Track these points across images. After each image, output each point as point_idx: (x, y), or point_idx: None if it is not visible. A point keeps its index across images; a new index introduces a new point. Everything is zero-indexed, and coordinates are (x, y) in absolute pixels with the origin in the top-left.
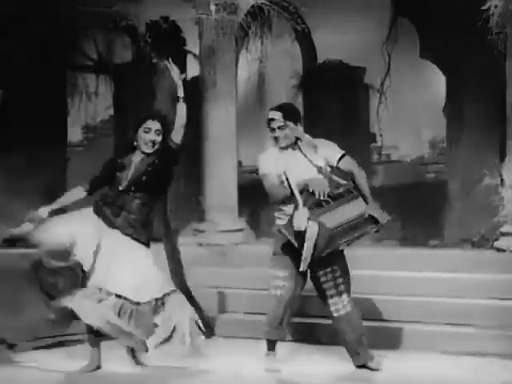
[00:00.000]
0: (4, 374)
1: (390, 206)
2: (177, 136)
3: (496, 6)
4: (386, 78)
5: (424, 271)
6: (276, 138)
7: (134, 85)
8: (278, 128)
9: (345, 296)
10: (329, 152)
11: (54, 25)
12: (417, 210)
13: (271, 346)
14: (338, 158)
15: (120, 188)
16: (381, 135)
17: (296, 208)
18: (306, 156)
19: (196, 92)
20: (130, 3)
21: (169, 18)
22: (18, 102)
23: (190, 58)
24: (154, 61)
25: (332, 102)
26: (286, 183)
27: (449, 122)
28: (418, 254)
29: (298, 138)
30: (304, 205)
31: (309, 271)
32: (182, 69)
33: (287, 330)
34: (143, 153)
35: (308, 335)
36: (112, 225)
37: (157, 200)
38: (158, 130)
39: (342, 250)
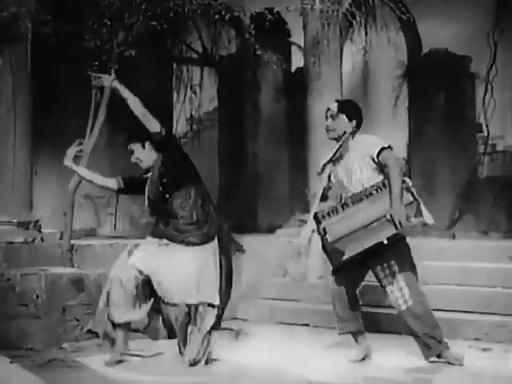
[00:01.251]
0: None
1: (496, 196)
2: (150, 127)
3: None
4: (492, 67)
5: None
6: (326, 128)
7: (238, 77)
8: (330, 117)
9: (406, 290)
10: (371, 145)
11: (160, 18)
12: None
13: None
14: (378, 150)
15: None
16: (487, 125)
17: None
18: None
19: (301, 83)
20: None
21: (273, 9)
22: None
23: (294, 49)
24: (259, 53)
25: (437, 91)
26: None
27: None
28: None
29: (344, 133)
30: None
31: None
32: (288, 60)
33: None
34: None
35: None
36: (165, 237)
37: (191, 190)
38: (132, 151)
39: (404, 243)
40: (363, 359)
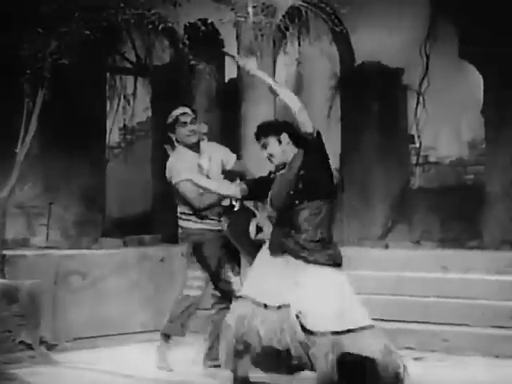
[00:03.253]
0: (45, 374)
1: (429, 207)
2: (303, 126)
3: None
4: (425, 78)
5: (463, 273)
6: (193, 132)
7: (171, 87)
8: (191, 123)
9: None
10: (225, 155)
11: (94, 27)
12: (456, 211)
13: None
14: (233, 161)
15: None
16: (419, 136)
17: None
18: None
19: (234, 93)
20: (169, 6)
21: (207, 20)
22: (59, 103)
23: (228, 59)
24: (192, 63)
25: (370, 103)
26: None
27: (487, 123)
28: (457, 256)
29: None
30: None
31: None
32: (221, 70)
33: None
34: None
35: None
36: (288, 251)
37: (324, 204)
38: (264, 145)
39: None
40: None
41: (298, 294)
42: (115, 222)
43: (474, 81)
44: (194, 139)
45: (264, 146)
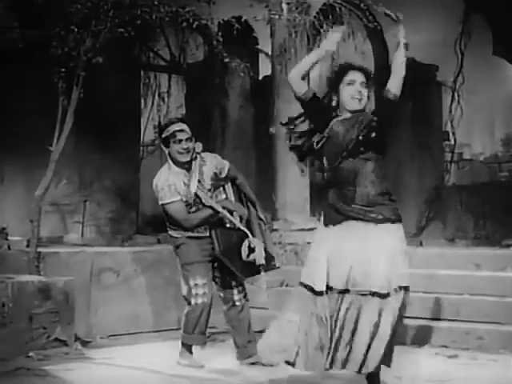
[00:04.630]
0: (78, 370)
1: (463, 204)
2: (397, 89)
3: None
4: (459, 75)
5: (497, 271)
6: (187, 151)
7: (205, 84)
8: (186, 140)
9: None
10: (218, 164)
11: (127, 25)
12: (490, 209)
13: (189, 349)
14: (227, 168)
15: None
16: (453, 133)
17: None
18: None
19: (268, 91)
20: (203, 3)
21: (241, 17)
22: (93, 101)
23: (262, 57)
24: (226, 60)
25: (404, 99)
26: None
27: None
28: (491, 254)
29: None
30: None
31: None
32: (255, 68)
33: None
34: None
35: None
36: (351, 217)
37: (383, 162)
38: (362, 82)
39: None
40: None
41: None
42: (149, 219)
43: (508, 77)
44: (186, 158)
45: (358, 85)
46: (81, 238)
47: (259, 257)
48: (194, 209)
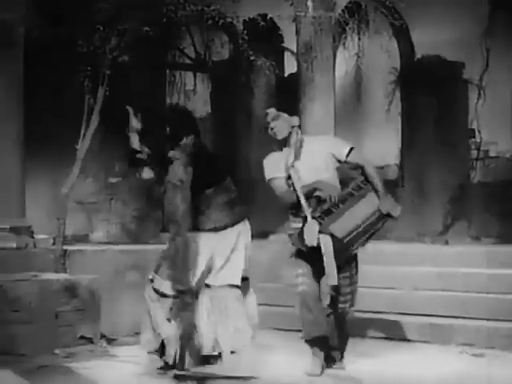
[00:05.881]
0: (104, 367)
1: (488, 202)
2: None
3: None
4: (485, 72)
5: None
6: (274, 133)
7: (231, 82)
8: (272, 120)
9: (354, 296)
10: (335, 147)
11: (153, 23)
12: None
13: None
14: (346, 152)
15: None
16: (479, 131)
17: (305, 220)
18: (312, 155)
19: (294, 89)
20: (229, 1)
21: (266, 15)
22: (119, 100)
23: (287, 54)
24: (252, 58)
25: (430, 97)
26: (292, 188)
27: None
28: None
29: (293, 127)
30: (313, 212)
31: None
32: (281, 65)
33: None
34: None
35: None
36: None
37: None
38: None
39: (356, 254)
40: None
41: None
42: None
43: None
44: (277, 137)
45: None
46: (106, 236)
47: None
48: (291, 189)
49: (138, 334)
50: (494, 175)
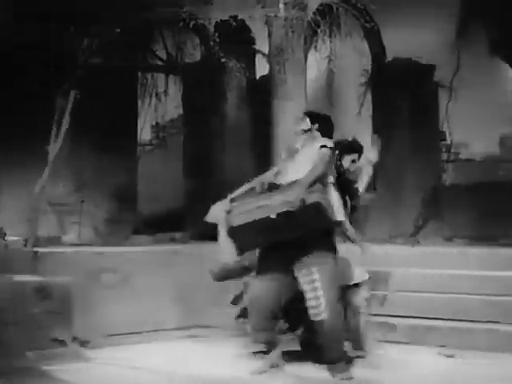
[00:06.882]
0: (77, 370)
1: (461, 204)
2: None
3: None
4: (456, 75)
5: (494, 270)
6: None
7: (202, 84)
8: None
9: (322, 301)
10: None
11: (126, 25)
12: (487, 208)
13: None
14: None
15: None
16: (450, 133)
17: None
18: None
19: (265, 90)
20: (200, 3)
21: (237, 17)
22: (91, 102)
23: (258, 57)
24: (223, 60)
25: (401, 99)
26: None
27: None
28: (488, 253)
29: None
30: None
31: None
32: (252, 67)
33: None
34: None
35: None
36: None
37: None
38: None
39: (329, 248)
40: (269, 371)
41: None
42: (146, 220)
43: (505, 77)
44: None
45: None
46: (78, 239)
47: None
48: None
49: (110, 336)
50: (465, 177)
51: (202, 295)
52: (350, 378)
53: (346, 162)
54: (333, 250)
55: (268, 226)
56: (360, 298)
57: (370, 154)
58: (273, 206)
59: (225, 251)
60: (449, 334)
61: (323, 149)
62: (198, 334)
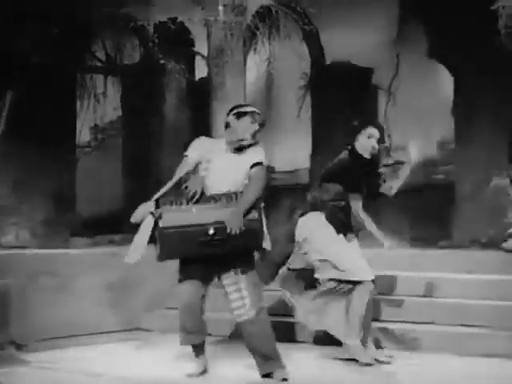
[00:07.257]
0: (13, 374)
1: (399, 207)
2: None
3: (504, 7)
4: (395, 78)
5: (433, 272)
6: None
7: (141, 86)
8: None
9: (247, 301)
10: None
11: (64, 26)
12: (426, 211)
13: None
14: (252, 163)
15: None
16: (389, 136)
17: None
18: None
19: (204, 92)
20: (140, 4)
21: (177, 19)
22: (28, 103)
23: (198, 59)
24: (162, 62)
25: (340, 102)
26: None
27: (457, 123)
28: (428, 255)
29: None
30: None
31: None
32: (192, 69)
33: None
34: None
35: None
36: None
37: None
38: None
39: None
40: (202, 373)
41: None
42: (85, 222)
43: (444, 80)
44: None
45: None
46: (16, 241)
47: None
48: None
49: (47, 339)
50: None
51: (141, 298)
52: (285, 380)
53: (363, 137)
54: (253, 262)
55: (203, 239)
56: (361, 296)
57: (412, 153)
58: (210, 221)
59: (134, 251)
60: (388, 335)
61: (258, 167)
62: (137, 337)
